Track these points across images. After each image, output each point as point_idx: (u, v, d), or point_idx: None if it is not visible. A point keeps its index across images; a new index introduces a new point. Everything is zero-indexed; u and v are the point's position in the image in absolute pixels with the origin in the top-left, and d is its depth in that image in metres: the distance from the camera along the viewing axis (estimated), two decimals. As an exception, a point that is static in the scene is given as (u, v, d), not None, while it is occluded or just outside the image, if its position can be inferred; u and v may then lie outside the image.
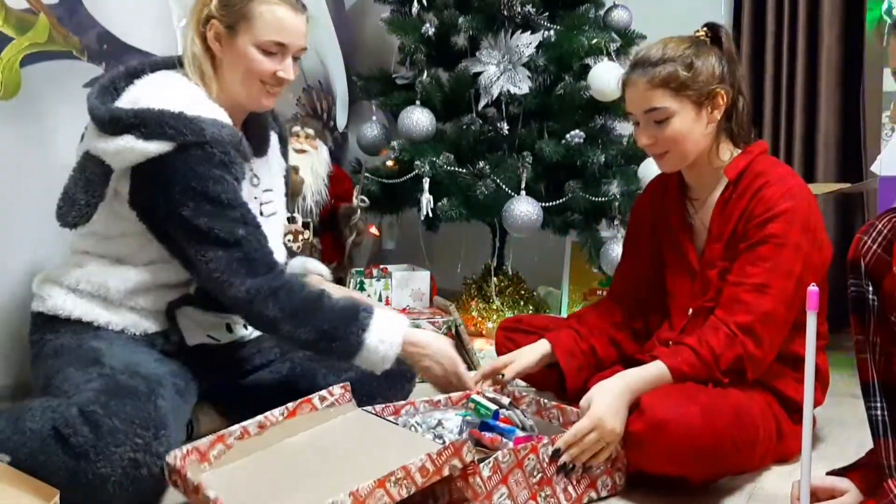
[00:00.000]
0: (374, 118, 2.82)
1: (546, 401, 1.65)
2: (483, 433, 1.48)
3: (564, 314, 2.80)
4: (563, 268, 2.84)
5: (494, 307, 2.85)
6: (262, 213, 1.73)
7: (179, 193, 1.50)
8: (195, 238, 1.51)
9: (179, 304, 1.64)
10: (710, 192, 1.74)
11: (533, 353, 1.81)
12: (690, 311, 1.73)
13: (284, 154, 1.91)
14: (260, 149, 1.76)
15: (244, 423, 1.40)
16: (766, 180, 1.63)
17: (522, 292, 2.90)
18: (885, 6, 2.62)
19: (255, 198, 1.72)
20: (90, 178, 1.53)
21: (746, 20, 2.93)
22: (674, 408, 1.44)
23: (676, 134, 1.64)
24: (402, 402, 1.60)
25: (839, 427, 1.90)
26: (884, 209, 2.16)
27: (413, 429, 1.47)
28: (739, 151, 1.71)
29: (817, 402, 1.71)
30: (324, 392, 1.49)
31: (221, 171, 1.52)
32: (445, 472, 1.23)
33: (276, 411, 1.44)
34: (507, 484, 1.34)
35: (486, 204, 2.45)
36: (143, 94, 1.54)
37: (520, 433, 1.51)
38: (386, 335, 1.56)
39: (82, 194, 1.53)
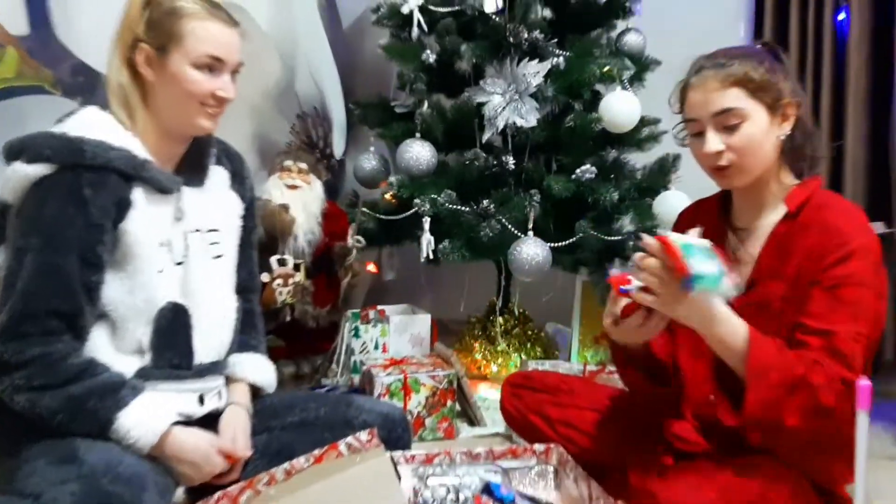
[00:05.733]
0: (371, 149, 2.66)
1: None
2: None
3: (575, 359, 2.63)
4: (573, 308, 2.67)
5: (500, 349, 2.69)
6: (189, 256, 1.54)
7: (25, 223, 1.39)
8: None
9: (140, 378, 1.47)
10: (760, 220, 1.54)
11: None
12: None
13: (242, 192, 1.73)
14: (193, 179, 1.59)
15: (271, 470, 1.41)
16: (835, 214, 1.44)
17: (529, 332, 2.74)
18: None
19: (181, 236, 1.54)
20: None
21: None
22: (689, 492, 1.30)
23: (749, 141, 1.44)
24: (437, 452, 1.52)
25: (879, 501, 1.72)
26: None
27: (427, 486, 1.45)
28: (798, 182, 1.53)
29: (847, 480, 1.53)
30: (350, 439, 1.47)
31: (76, 208, 1.39)
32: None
33: (303, 458, 1.43)
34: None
35: (492, 245, 2.28)
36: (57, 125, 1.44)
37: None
38: (146, 421, 1.39)
39: None
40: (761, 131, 1.45)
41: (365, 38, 3.14)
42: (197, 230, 1.56)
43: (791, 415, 1.31)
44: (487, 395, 2.48)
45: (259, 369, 1.71)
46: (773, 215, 1.52)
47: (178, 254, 1.51)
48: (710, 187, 2.74)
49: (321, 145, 3.02)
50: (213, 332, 1.58)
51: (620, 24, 2.59)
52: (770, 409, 1.32)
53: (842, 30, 2.65)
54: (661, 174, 2.52)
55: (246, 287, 1.74)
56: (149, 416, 1.39)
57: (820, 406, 1.30)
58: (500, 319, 2.69)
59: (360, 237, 2.37)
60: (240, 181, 1.73)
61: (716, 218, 1.65)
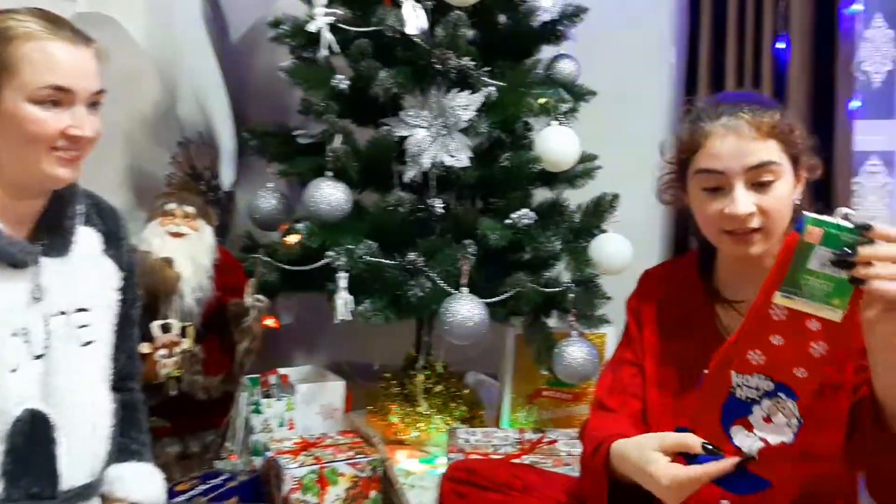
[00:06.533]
0: (269, 185, 2.28)
1: None
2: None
3: (506, 422, 2.34)
4: (504, 363, 2.38)
5: (421, 411, 2.36)
6: (51, 346, 1.22)
7: None
8: None
9: None
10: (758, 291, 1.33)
11: None
12: None
13: (118, 257, 1.38)
14: (54, 247, 1.26)
15: None
16: None
17: (454, 390, 2.43)
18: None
19: (41, 321, 1.22)
20: None
21: (703, 71, 2.55)
22: None
23: (780, 202, 1.23)
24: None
25: None
26: None
27: None
28: None
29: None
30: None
31: None
32: None
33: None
34: None
35: (419, 303, 1.96)
36: None
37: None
38: None
39: None
40: (789, 192, 1.24)
41: (259, 53, 2.76)
42: (62, 312, 1.25)
43: None
44: (408, 466, 2.17)
45: (143, 484, 1.39)
46: None
47: (37, 345, 1.21)
48: (647, 229, 2.52)
49: (207, 175, 2.62)
50: (83, 445, 1.27)
51: (551, 50, 2.33)
52: None
53: (781, 59, 2.49)
54: (597, 215, 2.27)
55: (125, 374, 1.43)
56: None
57: None
58: (421, 377, 2.37)
59: (260, 296, 2.00)
60: (115, 244, 1.40)
61: (698, 288, 1.40)
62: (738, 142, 1.22)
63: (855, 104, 2.44)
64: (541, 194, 2.33)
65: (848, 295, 1.00)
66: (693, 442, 1.14)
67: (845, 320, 1.01)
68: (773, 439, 1.08)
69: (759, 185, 1.22)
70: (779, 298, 1.02)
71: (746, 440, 1.09)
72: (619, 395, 1.43)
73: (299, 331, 2.81)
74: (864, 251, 0.99)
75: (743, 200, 1.22)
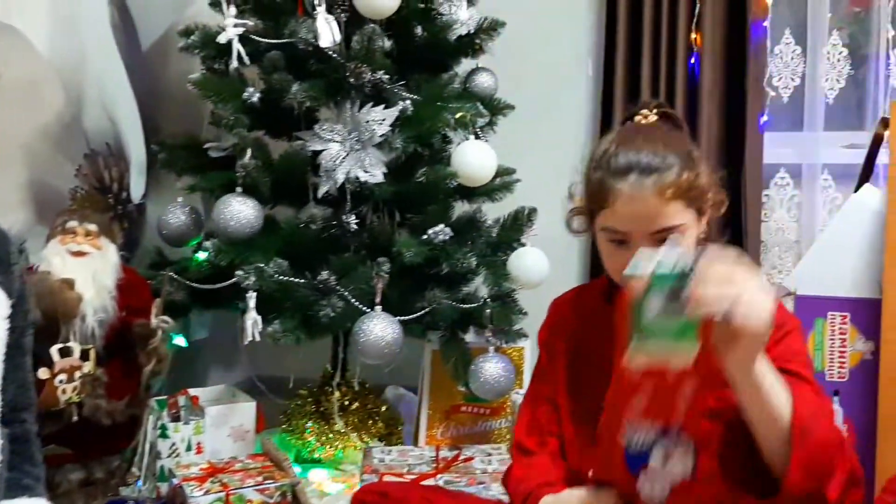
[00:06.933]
0: (179, 199, 2.21)
1: None
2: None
3: (422, 440, 2.31)
4: (421, 379, 2.35)
5: (337, 429, 2.32)
6: None
7: None
8: None
9: None
10: None
11: None
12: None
13: (8, 284, 1.31)
14: None
15: None
16: None
17: (370, 406, 2.39)
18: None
19: None
20: None
21: (619, 85, 2.58)
22: None
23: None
24: None
25: None
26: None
27: None
28: None
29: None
30: None
31: None
32: None
33: None
34: None
35: (332, 322, 1.91)
36: None
37: None
38: None
39: None
40: (692, 240, 1.22)
41: (172, 61, 2.67)
42: None
43: (834, 487, 1.08)
44: (323, 487, 2.13)
45: None
46: None
47: None
48: (565, 243, 2.51)
49: (115, 188, 2.53)
50: None
51: (469, 63, 2.32)
52: (813, 477, 1.07)
53: (695, 73, 2.52)
54: (515, 229, 2.27)
55: (16, 406, 1.35)
56: None
57: (856, 475, 1.11)
58: (337, 394, 2.33)
59: (166, 317, 1.92)
60: (4, 270, 1.33)
61: (607, 317, 1.38)
62: (643, 207, 1.19)
63: (765, 118, 2.49)
64: (460, 207, 2.32)
65: (694, 329, 0.99)
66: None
67: (701, 353, 1.01)
68: (676, 478, 1.10)
69: (663, 241, 1.19)
70: (633, 353, 1.02)
71: (656, 486, 1.11)
72: (537, 436, 1.43)
73: (215, 345, 2.74)
74: (692, 289, 0.99)
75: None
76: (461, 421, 2.32)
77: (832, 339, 1.77)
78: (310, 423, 2.31)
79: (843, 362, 1.76)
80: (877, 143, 1.81)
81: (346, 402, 2.34)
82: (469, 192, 2.22)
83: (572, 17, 2.68)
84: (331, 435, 2.29)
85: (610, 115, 2.58)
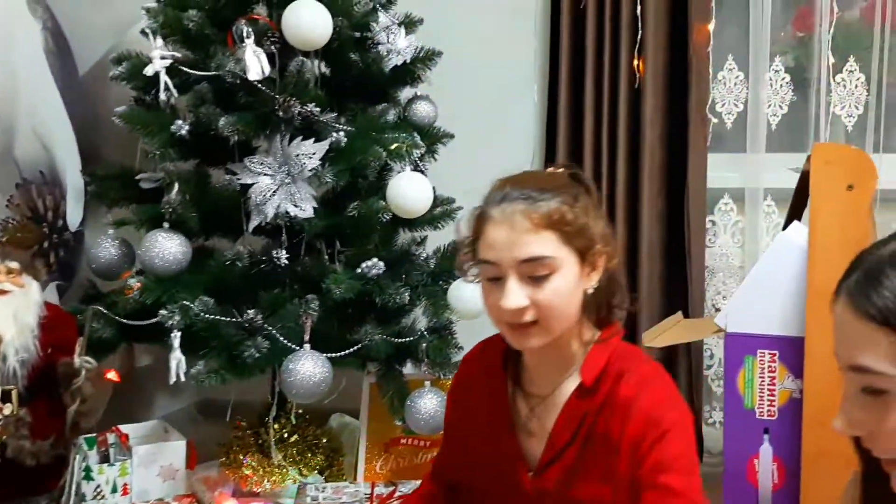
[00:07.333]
0: (110, 232, 2.17)
1: None
2: None
3: (360, 474, 2.28)
4: (360, 412, 2.32)
5: (275, 463, 2.28)
6: None
7: None
8: None
9: None
10: (555, 387, 1.29)
11: None
12: None
13: None
14: None
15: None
16: (637, 387, 1.21)
17: (309, 438, 2.35)
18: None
19: None
20: None
21: (562, 114, 2.56)
22: None
23: (557, 297, 1.18)
24: None
25: None
26: (730, 370, 1.87)
27: None
28: (598, 334, 1.29)
29: None
30: None
31: None
32: None
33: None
34: None
35: (259, 361, 1.88)
36: None
37: None
38: None
39: None
40: (571, 285, 1.19)
41: (109, 87, 2.62)
42: None
43: None
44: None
45: None
46: (571, 382, 1.27)
47: None
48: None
49: (50, 217, 2.48)
50: None
51: (408, 91, 2.29)
52: None
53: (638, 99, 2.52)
54: (455, 258, 2.24)
55: None
56: None
57: None
58: (275, 427, 2.29)
59: (88, 358, 1.88)
60: None
61: (500, 380, 1.37)
62: (510, 233, 1.16)
63: (707, 144, 2.49)
64: (404, 235, 2.30)
65: None
66: None
67: None
68: None
69: (534, 279, 1.17)
70: None
71: None
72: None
73: (164, 370, 2.70)
74: None
75: (514, 294, 1.17)
76: (400, 454, 2.29)
77: (762, 377, 1.76)
78: (248, 458, 2.27)
79: (773, 400, 1.76)
80: (804, 180, 1.81)
81: (285, 435, 2.31)
82: (410, 222, 2.19)
83: (516, 43, 2.66)
84: (269, 468, 2.25)
85: (554, 142, 2.57)
